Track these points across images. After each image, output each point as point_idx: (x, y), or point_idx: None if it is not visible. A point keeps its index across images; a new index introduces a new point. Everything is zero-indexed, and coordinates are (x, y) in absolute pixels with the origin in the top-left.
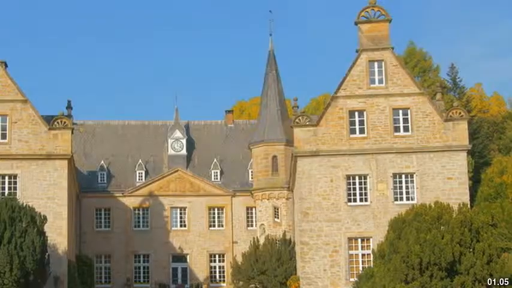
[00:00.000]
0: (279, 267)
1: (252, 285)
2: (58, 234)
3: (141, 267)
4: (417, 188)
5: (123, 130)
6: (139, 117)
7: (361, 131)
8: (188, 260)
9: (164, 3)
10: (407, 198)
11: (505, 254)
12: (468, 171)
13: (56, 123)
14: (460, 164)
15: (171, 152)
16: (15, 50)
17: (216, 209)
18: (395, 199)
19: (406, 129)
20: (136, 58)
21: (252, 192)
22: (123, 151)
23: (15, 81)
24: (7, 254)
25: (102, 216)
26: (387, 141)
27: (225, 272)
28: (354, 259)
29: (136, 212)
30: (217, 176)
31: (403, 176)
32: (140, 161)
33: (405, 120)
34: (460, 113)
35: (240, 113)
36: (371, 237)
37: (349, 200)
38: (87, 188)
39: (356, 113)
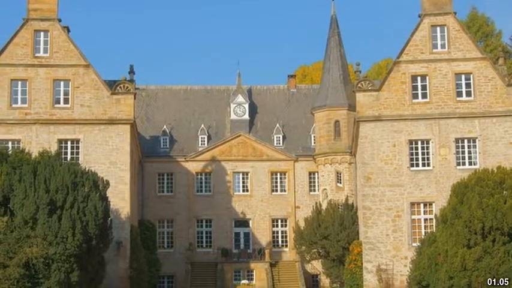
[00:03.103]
0: (342, 232)
1: (315, 250)
2: (120, 199)
3: (204, 232)
4: (479, 153)
5: (186, 95)
6: (201, 82)
7: (424, 95)
8: (250, 225)
9: None
10: (470, 163)
11: None
12: None
13: (118, 88)
14: None
15: (233, 116)
16: (77, 15)
17: (278, 174)
18: (458, 164)
19: (468, 94)
20: (199, 23)
21: (315, 157)
22: (185, 116)
23: (77, 46)
24: (70, 219)
25: (165, 181)
26: (450, 106)
27: (288, 237)
28: (417, 224)
29: (199, 176)
30: (279, 140)
31: (466, 140)
32: (203, 125)
33: (468, 85)
34: None
35: (302, 78)
36: (433, 202)
37: (412, 165)
38: (149, 152)
39: (418, 78)
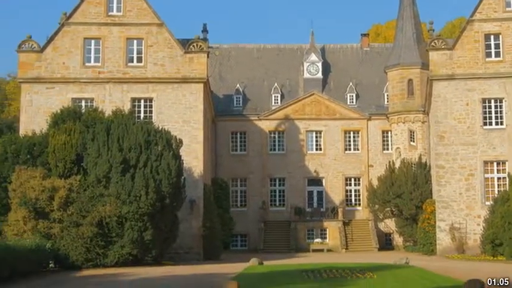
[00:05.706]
0: (415, 190)
1: (388, 209)
2: (194, 158)
3: (277, 191)
4: None
5: (259, 53)
6: (274, 41)
7: (497, 54)
8: (324, 184)
9: None
10: None
11: None
12: None
13: (191, 46)
14: None
15: (306, 75)
16: None
17: (351, 133)
18: None
19: None
20: None
21: (388, 115)
22: (258, 74)
23: (150, 5)
24: (143, 178)
25: (238, 139)
26: None
27: (361, 196)
28: (490, 182)
29: (272, 135)
30: (352, 99)
31: None
32: (276, 84)
33: None
34: None
35: (375, 37)
36: (507, 160)
37: (485, 124)
38: (222, 111)
39: (492, 37)
